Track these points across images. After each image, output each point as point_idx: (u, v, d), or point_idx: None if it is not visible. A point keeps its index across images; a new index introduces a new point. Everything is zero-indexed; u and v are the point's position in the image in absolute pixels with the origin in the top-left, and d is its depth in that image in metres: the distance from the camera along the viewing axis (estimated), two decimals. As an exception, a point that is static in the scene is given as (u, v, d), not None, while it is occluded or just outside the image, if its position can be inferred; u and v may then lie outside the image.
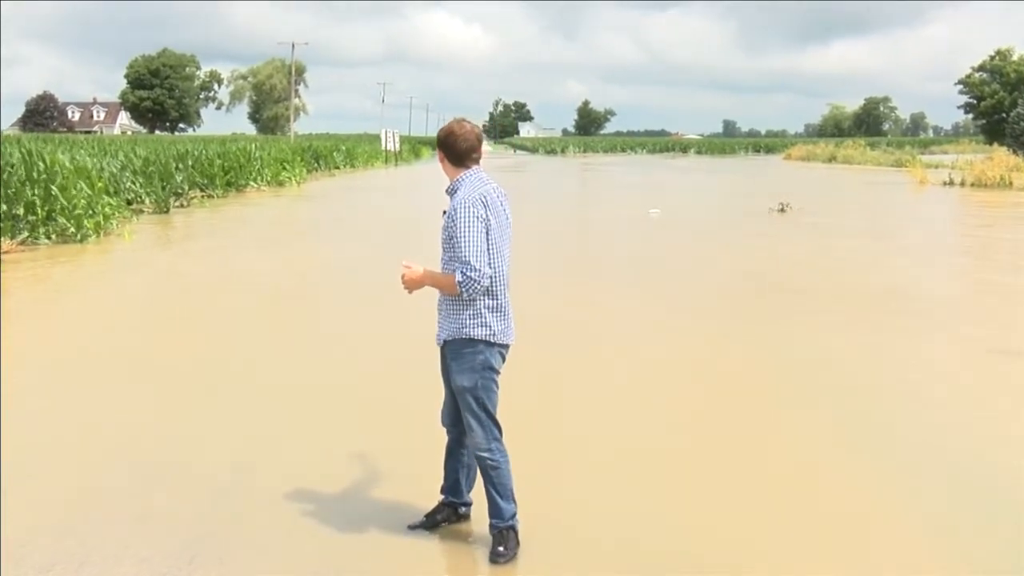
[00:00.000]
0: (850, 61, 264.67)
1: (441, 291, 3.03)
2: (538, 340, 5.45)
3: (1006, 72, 46.30)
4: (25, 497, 3.58)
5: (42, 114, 72.52)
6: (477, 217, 2.89)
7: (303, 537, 3.24)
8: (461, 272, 2.87)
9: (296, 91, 71.20)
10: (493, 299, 2.97)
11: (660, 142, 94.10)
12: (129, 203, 15.64)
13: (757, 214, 16.55)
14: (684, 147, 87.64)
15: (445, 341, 3.04)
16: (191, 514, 3.44)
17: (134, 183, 16.80)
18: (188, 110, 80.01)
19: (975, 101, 48.20)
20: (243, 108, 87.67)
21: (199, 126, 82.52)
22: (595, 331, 6.94)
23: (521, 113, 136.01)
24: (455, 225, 2.90)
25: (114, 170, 16.28)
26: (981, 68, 48.48)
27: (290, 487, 3.63)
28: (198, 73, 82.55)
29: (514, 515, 3.07)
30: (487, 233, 2.92)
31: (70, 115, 78.93)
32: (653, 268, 10.50)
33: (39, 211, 11.70)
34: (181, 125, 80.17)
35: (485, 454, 3.02)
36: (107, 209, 13.00)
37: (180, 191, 18.32)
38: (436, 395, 3.22)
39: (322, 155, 35.37)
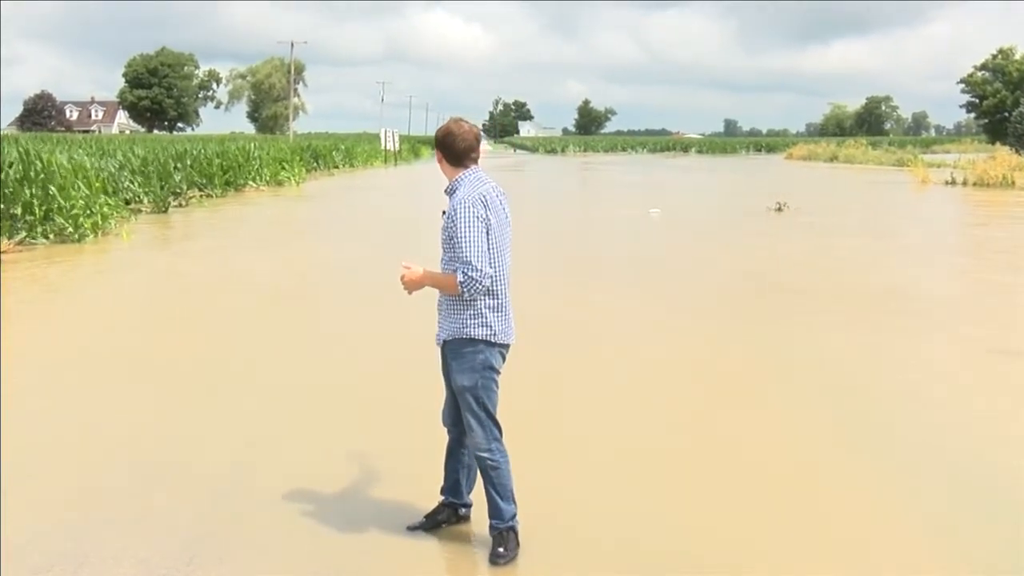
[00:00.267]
0: (851, 60, 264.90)
1: (441, 291, 3.02)
2: (538, 340, 5.45)
3: (1008, 71, 46.29)
4: (23, 498, 3.57)
5: (40, 113, 72.41)
6: (477, 217, 2.88)
7: (302, 538, 3.23)
8: (462, 272, 2.87)
9: (295, 90, 71.12)
10: (494, 299, 2.97)
11: (661, 141, 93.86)
12: (127, 203, 15.61)
13: (755, 214, 16.55)
14: (685, 146, 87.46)
15: (445, 341, 3.03)
16: (190, 515, 3.43)
17: (132, 183, 16.78)
18: (187, 109, 79.87)
19: (977, 100, 48.20)
20: (242, 107, 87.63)
21: (198, 125, 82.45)
22: (595, 331, 6.94)
23: (521, 112, 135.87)
24: (455, 225, 2.89)
25: (112, 170, 16.24)
26: (983, 67, 48.48)
27: (289, 487, 3.63)
28: (197, 72, 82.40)
29: (514, 516, 3.06)
30: (487, 233, 2.91)
31: (68, 114, 78.81)
32: (653, 268, 10.49)
33: (37, 211, 11.68)
34: (180, 124, 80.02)
35: (485, 454, 3.02)
36: (105, 209, 12.97)
37: (178, 191, 18.30)
38: (436, 395, 3.21)
39: (321, 154, 35.34)
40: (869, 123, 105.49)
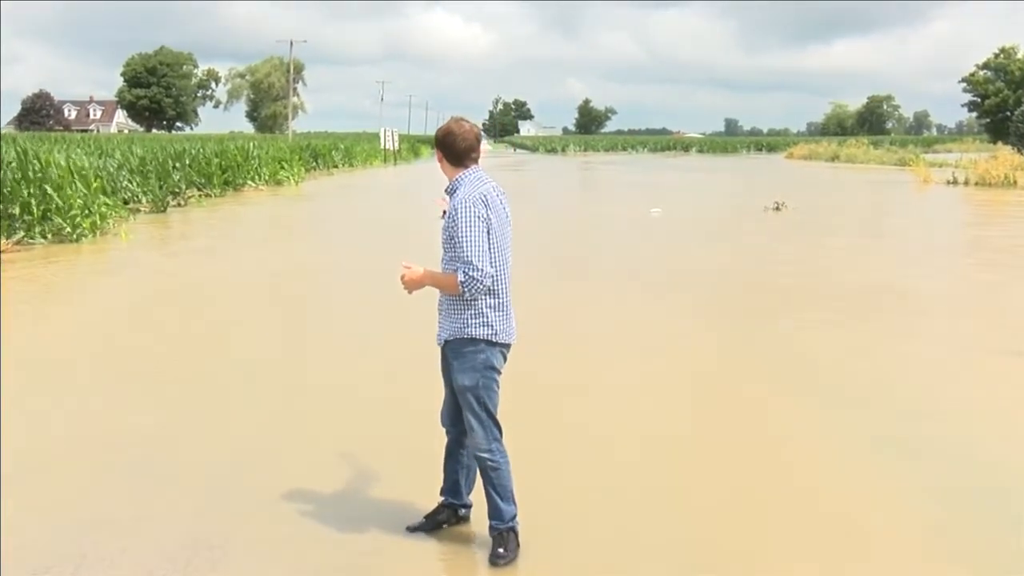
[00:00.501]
0: (852, 59, 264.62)
1: (442, 291, 3.00)
2: (538, 340, 5.41)
3: (1010, 70, 46.18)
4: (21, 498, 3.54)
5: (38, 113, 72.22)
6: (478, 216, 2.87)
7: (302, 539, 3.21)
8: (463, 272, 2.85)
9: (294, 89, 70.98)
10: (495, 298, 2.96)
11: (661, 141, 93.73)
12: (126, 202, 15.57)
13: (754, 213, 16.54)
14: (685, 146, 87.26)
15: (446, 341, 3.01)
16: (188, 515, 3.41)
17: (131, 182, 16.75)
18: (185, 108, 79.69)
19: (979, 99, 48.07)
20: (241, 106, 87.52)
21: (196, 125, 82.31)
22: (595, 331, 6.91)
23: (521, 112, 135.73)
24: (456, 225, 2.87)
25: (111, 169, 16.21)
26: (985, 66, 48.36)
27: (288, 488, 3.61)
28: (195, 71, 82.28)
29: (514, 517, 3.05)
30: (488, 232, 2.89)
31: (66, 113, 78.61)
32: (653, 268, 10.46)
33: (35, 211, 11.63)
34: (178, 124, 79.86)
35: (485, 455, 3.00)
36: (103, 208, 12.93)
37: (177, 190, 18.27)
38: (436, 395, 3.19)
39: (320, 154, 35.24)
40: (870, 122, 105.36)
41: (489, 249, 2.89)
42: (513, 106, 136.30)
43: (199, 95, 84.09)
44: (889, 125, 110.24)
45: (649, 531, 3.30)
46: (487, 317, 2.94)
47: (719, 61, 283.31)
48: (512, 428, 3.17)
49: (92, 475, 3.82)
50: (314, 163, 33.77)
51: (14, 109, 75.13)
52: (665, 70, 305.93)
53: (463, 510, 3.26)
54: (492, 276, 2.88)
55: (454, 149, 2.97)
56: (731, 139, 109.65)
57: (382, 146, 46.52)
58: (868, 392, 5.16)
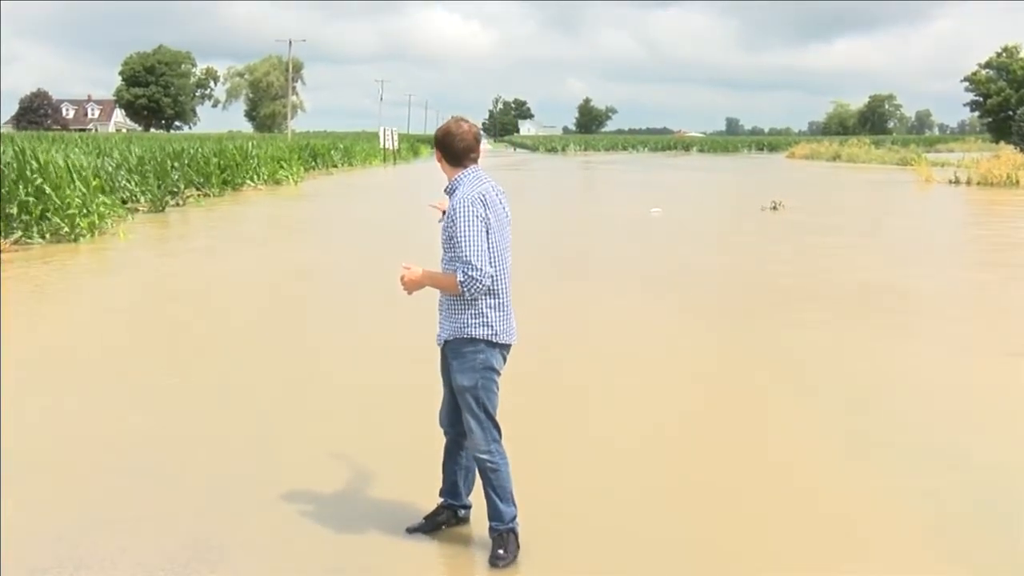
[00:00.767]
0: (854, 58, 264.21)
1: (442, 291, 2.99)
2: (538, 340, 5.39)
3: (1013, 69, 46.10)
4: (20, 499, 3.52)
5: (36, 112, 72.02)
6: (477, 216, 2.86)
7: (301, 540, 3.20)
8: (463, 272, 2.85)
9: (293, 88, 70.83)
10: (495, 298, 2.95)
11: (662, 140, 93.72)
12: (124, 202, 15.55)
13: (751, 213, 16.54)
14: (686, 145, 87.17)
15: (446, 341, 3.01)
16: (188, 516, 3.40)
17: (129, 182, 16.71)
18: (184, 108, 79.50)
19: (981, 99, 47.98)
20: (239, 106, 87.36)
21: (195, 124, 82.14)
22: (595, 331, 6.90)
23: (521, 111, 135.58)
24: (455, 225, 2.87)
25: (109, 169, 16.16)
26: (987, 65, 48.29)
27: (287, 489, 3.60)
28: (194, 70, 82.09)
29: (514, 518, 3.04)
30: (487, 232, 2.89)
31: (64, 113, 78.45)
32: (652, 268, 10.42)
33: (33, 210, 11.58)
34: (177, 123, 79.68)
35: (484, 456, 2.99)
36: (102, 208, 12.89)
37: (176, 190, 18.23)
38: (436, 396, 3.18)
39: (319, 153, 35.10)
40: (872, 122, 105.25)
41: (488, 249, 2.88)
42: (513, 105, 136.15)
43: (198, 94, 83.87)
44: (891, 124, 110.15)
45: (649, 531, 3.30)
46: (487, 317, 2.93)
47: (720, 60, 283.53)
48: (512, 428, 3.16)
49: (91, 475, 3.81)
50: (313, 163, 33.63)
51: (12, 108, 75.05)
52: (666, 69, 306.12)
53: (462, 511, 3.25)
54: (492, 276, 2.88)
55: (453, 149, 2.97)
56: (732, 138, 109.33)
57: (381, 145, 46.38)
58: (867, 392, 5.16)
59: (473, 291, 2.85)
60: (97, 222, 12.39)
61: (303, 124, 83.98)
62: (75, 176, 12.53)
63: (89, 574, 2.96)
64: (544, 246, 11.65)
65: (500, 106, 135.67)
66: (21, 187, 11.58)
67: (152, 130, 73.10)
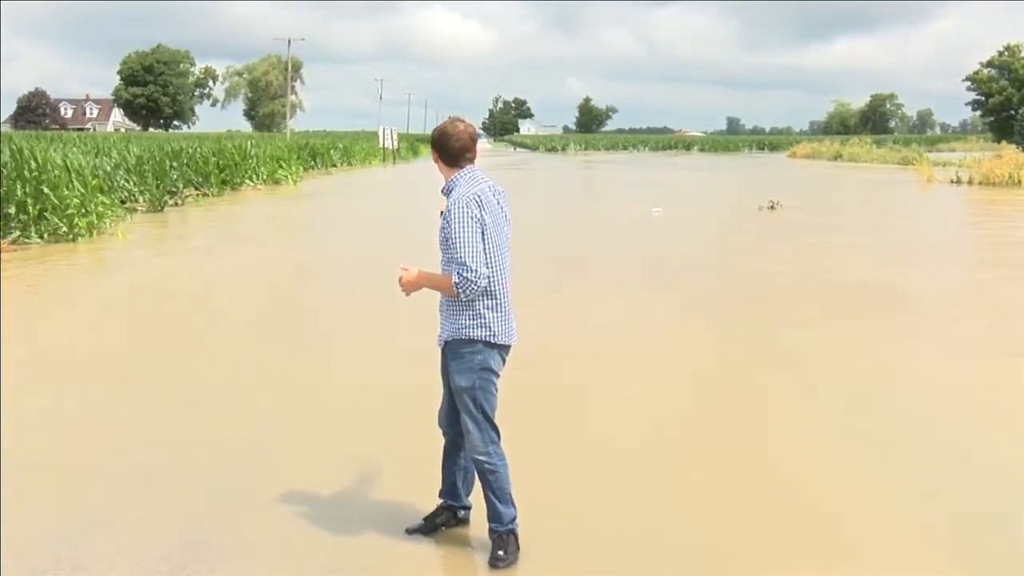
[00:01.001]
0: (855, 57, 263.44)
1: (439, 292, 2.98)
2: (538, 340, 5.37)
3: (1015, 68, 46.05)
4: (19, 500, 3.51)
5: (34, 111, 71.93)
6: (472, 217, 2.86)
7: (299, 541, 3.19)
8: (457, 273, 2.85)
9: (292, 88, 70.76)
10: (492, 299, 2.94)
11: (662, 140, 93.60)
12: (122, 202, 15.54)
13: (749, 213, 16.54)
14: (687, 145, 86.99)
15: (446, 342, 3.00)
16: (186, 517, 3.38)
17: (127, 181, 16.68)
18: (183, 107, 79.40)
19: (983, 98, 47.93)
20: (238, 105, 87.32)
21: (194, 123, 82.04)
22: (595, 331, 6.88)
23: (521, 110, 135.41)
24: (450, 226, 2.87)
25: (107, 168, 16.12)
26: (989, 64, 48.23)
27: (286, 490, 3.59)
28: (193, 69, 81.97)
29: (514, 519, 3.03)
30: (483, 233, 2.88)
31: (62, 112, 78.35)
32: (653, 268, 10.41)
33: (31, 210, 11.54)
34: (175, 122, 79.58)
35: (482, 457, 2.98)
36: (100, 208, 12.87)
37: (174, 189, 18.21)
38: (436, 396, 3.17)
39: (319, 153, 35.05)
40: (873, 121, 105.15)
41: (484, 250, 2.87)
42: (513, 104, 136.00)
43: (196, 93, 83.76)
44: (892, 124, 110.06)
45: (649, 531, 3.29)
46: (485, 319, 2.93)
47: (721, 59, 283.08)
48: (512, 429, 3.15)
49: (89, 476, 3.79)
50: (312, 162, 33.58)
51: (9, 107, 74.97)
52: (666, 68, 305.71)
53: (462, 512, 3.24)
54: (487, 277, 2.87)
55: (449, 149, 2.96)
56: (733, 138, 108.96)
57: (381, 145, 46.33)
58: (867, 392, 5.15)
59: (468, 293, 2.84)
60: (95, 222, 12.37)
61: (302, 123, 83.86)
62: (73, 176, 12.51)
63: (88, 575, 2.94)
64: (544, 246, 11.64)
65: (500, 105, 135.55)
66: (19, 187, 11.56)
67: (150, 129, 73.01)
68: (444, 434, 3.17)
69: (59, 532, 3.25)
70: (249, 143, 25.99)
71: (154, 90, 75.99)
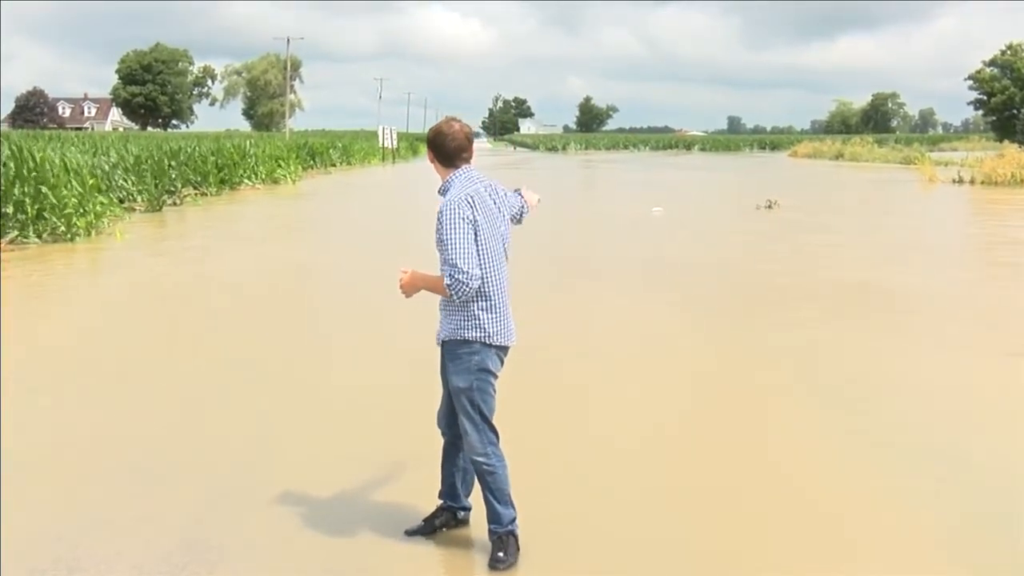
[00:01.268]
0: (857, 57, 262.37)
1: (435, 293, 2.98)
2: (538, 340, 5.36)
3: (1017, 67, 46.04)
4: (17, 500, 3.50)
5: (32, 110, 71.83)
6: (463, 219, 2.86)
7: (299, 543, 3.19)
8: (449, 275, 2.85)
9: (291, 87, 70.67)
10: (486, 300, 2.93)
11: (663, 139, 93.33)
12: (121, 201, 15.51)
13: (746, 212, 16.54)
14: (688, 144, 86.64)
15: (444, 341, 3.01)
16: (185, 519, 3.38)
17: (126, 181, 16.65)
18: (181, 106, 79.32)
19: (985, 97, 47.91)
20: (237, 104, 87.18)
21: (192, 122, 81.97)
22: (595, 331, 6.88)
23: (521, 109, 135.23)
24: (441, 228, 2.87)
25: (106, 168, 16.09)
26: (992, 63, 48.22)
27: (286, 491, 3.58)
28: (191, 68, 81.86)
29: (513, 520, 3.02)
30: (476, 234, 2.87)
31: (60, 111, 78.20)
32: (653, 267, 10.40)
33: (29, 209, 11.52)
34: (174, 121, 79.50)
35: (481, 459, 2.98)
36: (98, 207, 12.86)
37: (173, 189, 18.18)
38: (435, 397, 3.17)
39: (318, 152, 35.01)
40: (875, 120, 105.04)
41: (478, 251, 2.86)
42: (513, 104, 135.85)
43: (195, 92, 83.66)
44: (894, 123, 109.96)
45: (649, 532, 3.28)
46: (479, 320, 2.92)
47: (722, 58, 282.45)
48: (512, 429, 3.14)
49: (89, 476, 3.78)
50: (311, 161, 33.54)
51: (7, 107, 74.88)
52: (667, 67, 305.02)
53: (462, 513, 3.24)
54: (479, 278, 2.86)
55: (444, 149, 2.97)
56: (734, 137, 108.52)
57: (380, 144, 46.28)
58: (867, 392, 5.15)
59: (461, 294, 2.84)
60: (94, 221, 12.35)
61: (301, 123, 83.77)
62: (71, 175, 12.48)
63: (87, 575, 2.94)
64: (545, 245, 11.60)
65: (500, 104, 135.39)
66: (17, 186, 11.54)
67: (149, 129, 72.93)
68: (443, 435, 3.16)
69: (59, 532, 3.25)
70: (248, 142, 25.99)
71: (152, 89, 75.88)
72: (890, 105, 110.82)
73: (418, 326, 4.44)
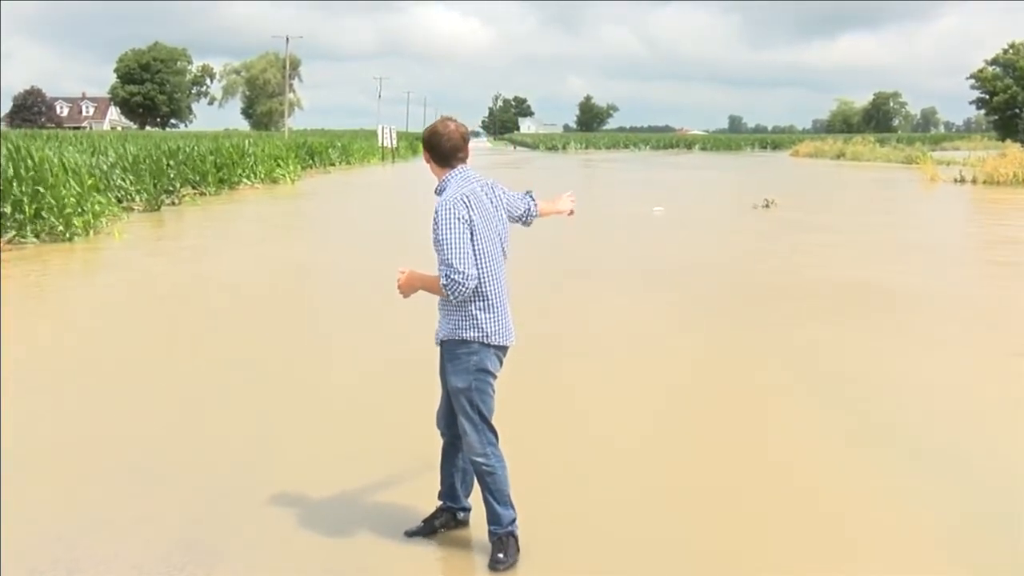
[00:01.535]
0: (858, 56, 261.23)
1: (432, 293, 2.99)
2: (538, 340, 5.36)
3: (1019, 66, 46.04)
4: (15, 501, 3.49)
5: (30, 109, 71.75)
6: (458, 219, 2.85)
7: (298, 544, 3.18)
8: (444, 275, 2.84)
9: (290, 86, 70.68)
10: (483, 300, 2.93)
11: (664, 138, 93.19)
12: (119, 201, 15.49)
13: (744, 211, 16.52)
14: (689, 143, 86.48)
15: (442, 341, 3.01)
16: (184, 519, 3.38)
17: (124, 180, 16.61)
18: (179, 105, 79.24)
19: (987, 96, 47.90)
20: (236, 103, 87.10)
21: (191, 122, 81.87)
22: (595, 331, 6.88)
23: (521, 108, 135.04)
24: (436, 227, 2.87)
25: (104, 167, 16.06)
26: (994, 62, 48.22)
27: (285, 492, 3.58)
28: (190, 67, 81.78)
29: (513, 521, 3.02)
30: (472, 234, 2.87)
31: (58, 110, 78.14)
32: (653, 267, 10.40)
33: (27, 209, 11.51)
34: (172, 121, 79.42)
35: (480, 459, 2.97)
36: (97, 207, 12.83)
37: (171, 188, 18.16)
38: (434, 397, 3.17)
39: (317, 151, 34.96)
40: (877, 119, 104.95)
41: (474, 251, 2.86)
42: (513, 103, 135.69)
43: (193, 92, 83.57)
44: (896, 122, 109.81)
45: (649, 532, 3.28)
46: (477, 320, 2.92)
47: (722, 57, 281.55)
48: (511, 429, 3.14)
49: (87, 477, 3.78)
50: (310, 161, 33.49)
51: (5, 106, 74.77)
52: (667, 66, 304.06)
53: (461, 513, 3.23)
54: (475, 278, 2.85)
55: (440, 149, 2.97)
56: (735, 136, 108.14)
57: (380, 144, 46.25)
58: (867, 392, 5.14)
59: (457, 294, 2.84)
60: (92, 221, 12.33)
61: (300, 122, 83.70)
62: (70, 175, 12.46)
63: (85, 577, 2.93)
64: (544, 245, 11.60)
65: (500, 104, 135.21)
66: (15, 186, 11.52)
67: (147, 128, 72.83)
68: (442, 435, 3.16)
69: (58, 532, 3.24)
70: (247, 142, 25.92)
71: (151, 88, 75.79)
72: (892, 104, 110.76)
73: (417, 326, 4.44)
